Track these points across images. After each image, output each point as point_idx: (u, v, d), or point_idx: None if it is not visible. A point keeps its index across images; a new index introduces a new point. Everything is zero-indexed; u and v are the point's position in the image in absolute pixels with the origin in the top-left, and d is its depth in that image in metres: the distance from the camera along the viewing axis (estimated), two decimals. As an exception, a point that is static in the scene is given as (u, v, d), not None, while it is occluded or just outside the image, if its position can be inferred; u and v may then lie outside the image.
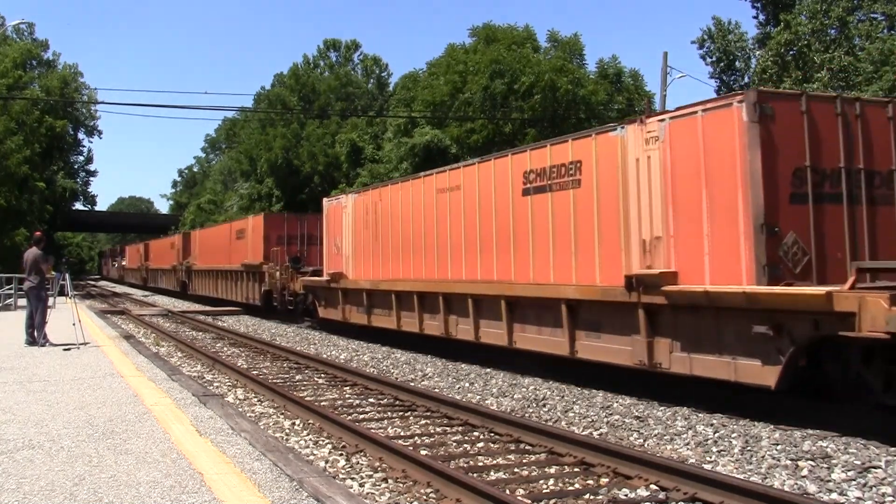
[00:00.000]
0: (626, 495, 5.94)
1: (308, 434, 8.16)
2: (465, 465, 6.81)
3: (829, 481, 6.19)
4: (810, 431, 7.71)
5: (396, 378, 12.12)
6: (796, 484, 6.18)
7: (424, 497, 5.92)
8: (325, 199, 20.68)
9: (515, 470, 6.64)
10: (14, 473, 5.30)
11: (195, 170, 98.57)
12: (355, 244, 17.97)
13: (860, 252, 8.61)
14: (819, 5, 26.48)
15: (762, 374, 7.98)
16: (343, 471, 6.65)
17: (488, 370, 12.65)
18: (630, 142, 9.79)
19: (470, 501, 5.61)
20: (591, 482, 6.35)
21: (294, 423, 8.70)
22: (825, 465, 6.58)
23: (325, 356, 14.94)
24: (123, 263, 66.88)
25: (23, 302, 20.40)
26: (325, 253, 19.91)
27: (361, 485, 6.22)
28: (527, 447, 7.48)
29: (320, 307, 19.99)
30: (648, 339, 9.39)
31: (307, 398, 10.05)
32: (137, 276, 56.65)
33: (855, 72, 25.54)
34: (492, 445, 7.65)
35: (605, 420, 8.69)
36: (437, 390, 10.85)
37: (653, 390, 9.87)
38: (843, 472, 6.39)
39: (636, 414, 8.86)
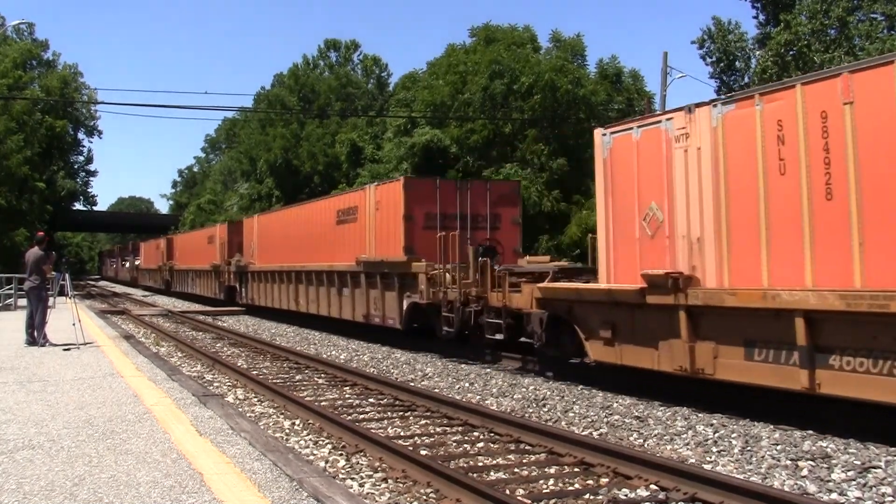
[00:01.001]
0: (626, 495, 5.94)
1: (308, 434, 8.16)
2: (465, 465, 6.81)
3: (829, 481, 6.19)
4: (810, 431, 7.72)
5: (396, 378, 12.12)
6: (796, 484, 6.18)
7: (424, 497, 5.92)
8: (599, 131, 10.92)
9: (515, 470, 6.64)
10: (14, 473, 5.30)
11: (195, 170, 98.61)
12: (733, 211, 8.73)
13: None
14: (819, 5, 26.49)
15: None
16: (343, 471, 6.65)
17: (488, 370, 12.65)
18: None
19: (470, 501, 5.61)
20: (591, 482, 6.35)
21: (294, 423, 8.70)
22: (825, 465, 6.58)
23: (324, 356, 14.94)
24: (137, 263, 57.52)
25: (23, 302, 20.41)
26: (610, 237, 10.55)
27: (361, 485, 6.22)
28: (527, 447, 7.48)
29: (592, 340, 10.64)
30: None
31: (307, 398, 10.05)
32: (157, 279, 46.63)
33: (855, 72, 25.49)
34: (492, 445, 7.65)
35: (605, 420, 8.69)
36: (437, 390, 10.85)
37: (653, 390, 9.87)
38: (843, 472, 6.39)
39: (636, 414, 8.86)
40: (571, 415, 9.06)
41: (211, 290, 32.87)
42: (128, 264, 64.39)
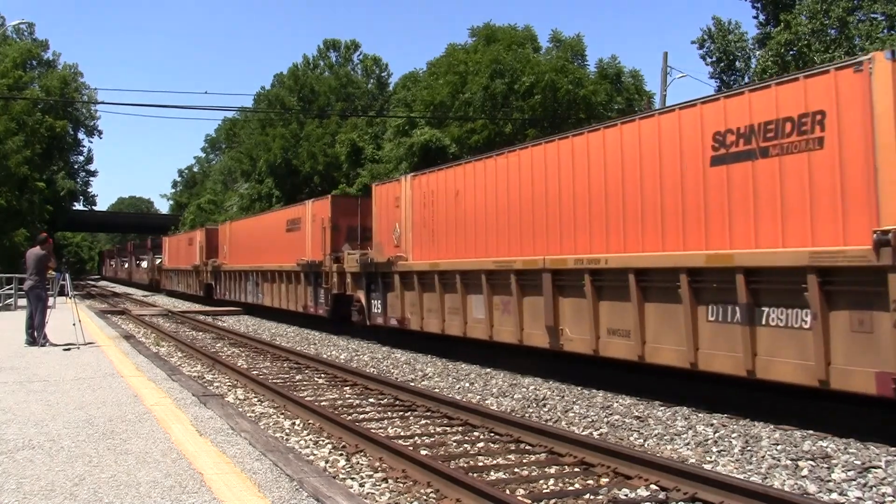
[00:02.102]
0: (626, 495, 5.94)
1: (308, 434, 8.16)
2: (465, 465, 6.81)
3: (829, 481, 6.19)
4: (810, 431, 7.72)
5: (396, 378, 12.12)
6: (796, 484, 6.18)
7: (424, 497, 5.92)
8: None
9: (515, 470, 6.64)
10: (14, 473, 5.30)
11: (195, 170, 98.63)
12: None
13: None
14: (819, 5, 26.49)
15: None
16: (343, 471, 6.65)
17: (488, 370, 12.65)
18: None
19: (470, 501, 5.61)
20: (591, 482, 6.35)
21: (294, 423, 8.70)
22: (825, 465, 6.58)
23: (325, 356, 14.94)
24: (159, 263, 46.93)
25: (23, 302, 20.41)
26: None
27: (361, 485, 6.22)
28: (527, 447, 7.48)
29: None
30: None
31: (307, 398, 10.05)
32: (192, 283, 36.47)
33: (855, 72, 25.50)
34: (492, 445, 7.65)
35: (605, 420, 8.70)
36: (437, 390, 10.85)
37: (653, 390, 9.87)
38: (843, 472, 6.39)
39: (636, 414, 8.86)
40: (571, 415, 9.06)
41: (298, 302, 21.53)
42: (145, 264, 53.83)
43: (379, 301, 16.48)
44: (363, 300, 17.29)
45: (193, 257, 35.63)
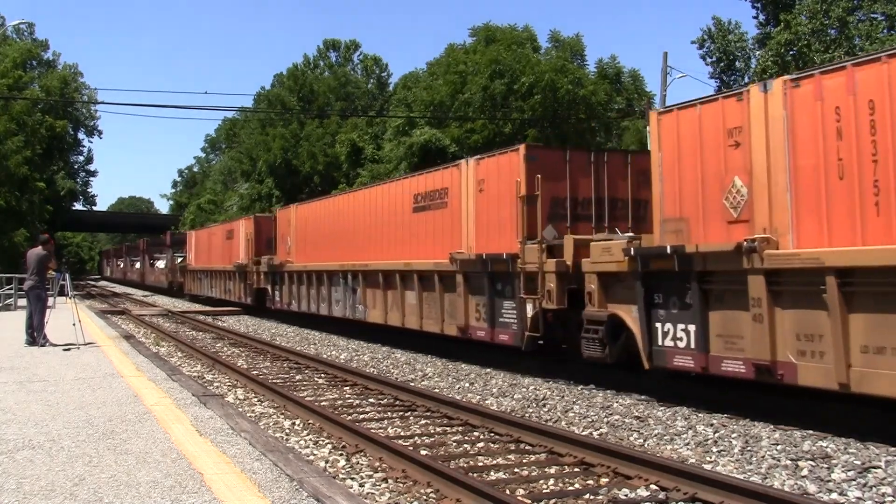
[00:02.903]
0: (626, 495, 5.94)
1: (308, 434, 8.16)
2: (465, 465, 6.81)
3: (829, 481, 6.19)
4: (810, 431, 7.72)
5: (396, 378, 12.12)
6: (796, 484, 6.18)
7: (424, 497, 5.92)
8: None
9: (515, 470, 6.64)
10: (14, 473, 5.30)
11: (195, 170, 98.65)
12: None
13: None
14: (819, 5, 26.50)
15: None
16: (343, 471, 6.65)
17: (488, 370, 12.65)
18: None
19: (470, 501, 5.61)
20: (591, 482, 6.35)
21: (294, 423, 8.70)
22: (825, 465, 6.58)
23: (325, 356, 14.94)
24: (182, 262, 39.20)
25: (23, 302, 20.41)
26: None
27: (361, 485, 6.22)
28: (527, 447, 7.48)
29: None
30: None
31: (307, 398, 10.05)
32: (232, 288, 28.91)
33: (855, 72, 25.50)
34: (492, 445, 7.65)
35: (605, 420, 8.70)
36: (437, 390, 10.85)
37: (653, 390, 9.88)
38: (843, 472, 6.39)
39: (636, 414, 8.86)
40: (571, 415, 9.06)
41: (449, 319, 13.86)
42: (161, 263, 46.09)
43: (680, 326, 9.14)
44: (633, 323, 9.79)
45: (235, 254, 27.92)
